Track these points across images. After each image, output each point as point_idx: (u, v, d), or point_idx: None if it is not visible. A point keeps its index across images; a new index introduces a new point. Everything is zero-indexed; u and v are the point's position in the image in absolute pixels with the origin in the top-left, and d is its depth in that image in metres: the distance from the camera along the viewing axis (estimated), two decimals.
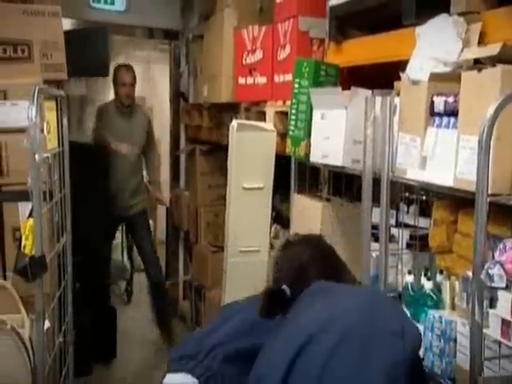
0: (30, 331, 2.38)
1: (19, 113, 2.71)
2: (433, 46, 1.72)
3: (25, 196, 2.69)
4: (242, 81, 3.23)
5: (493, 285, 1.02)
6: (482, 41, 1.66)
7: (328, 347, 1.13)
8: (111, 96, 4.76)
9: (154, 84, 6.95)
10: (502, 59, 1.39)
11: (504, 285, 1.01)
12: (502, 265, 1.02)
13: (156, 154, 4.54)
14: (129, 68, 3.98)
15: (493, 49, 1.38)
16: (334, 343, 1.13)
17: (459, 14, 1.71)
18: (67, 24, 3.84)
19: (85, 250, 2.99)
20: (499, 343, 1.35)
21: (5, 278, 2.71)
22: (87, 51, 3.62)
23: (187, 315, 4.40)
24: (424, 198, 1.96)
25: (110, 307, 3.92)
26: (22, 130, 2.74)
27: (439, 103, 1.57)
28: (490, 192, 1.32)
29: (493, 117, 1.06)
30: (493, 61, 1.42)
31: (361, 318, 1.19)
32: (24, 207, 2.83)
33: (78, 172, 2.55)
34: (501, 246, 1.05)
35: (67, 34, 3.03)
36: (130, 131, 3.95)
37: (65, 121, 2.20)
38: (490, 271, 1.02)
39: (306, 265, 1.43)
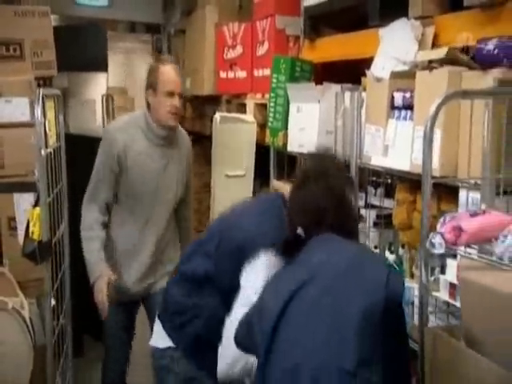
0: (30, 312, 2.57)
1: (13, 109, 2.87)
2: (393, 46, 1.93)
3: (21, 187, 2.86)
4: (223, 75, 3.42)
5: (434, 251, 1.24)
6: (435, 42, 1.88)
7: (315, 294, 1.24)
8: (92, 90, 4.85)
9: (134, 75, 7.07)
10: (449, 60, 1.61)
11: (443, 251, 1.23)
12: (442, 235, 1.24)
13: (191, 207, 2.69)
14: (175, 68, 2.29)
15: (441, 52, 1.60)
16: (319, 292, 1.24)
17: (416, 18, 1.92)
18: (53, 20, 3.97)
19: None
20: (447, 303, 1.59)
21: (1, 264, 2.88)
22: (86, 47, 3.76)
23: None
24: (389, 181, 2.18)
25: None
26: (16, 125, 2.91)
27: (398, 98, 1.79)
28: (438, 175, 1.56)
29: (434, 112, 1.27)
30: (442, 62, 1.63)
31: (350, 267, 1.28)
32: (19, 198, 3.00)
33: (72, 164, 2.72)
34: (441, 219, 1.27)
35: (65, 29, 3.18)
36: (165, 180, 2.31)
37: (61, 118, 2.38)
38: (432, 240, 1.24)
39: (322, 213, 1.43)
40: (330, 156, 1.72)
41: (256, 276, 1.48)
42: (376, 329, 1.17)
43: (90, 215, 2.27)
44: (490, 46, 1.41)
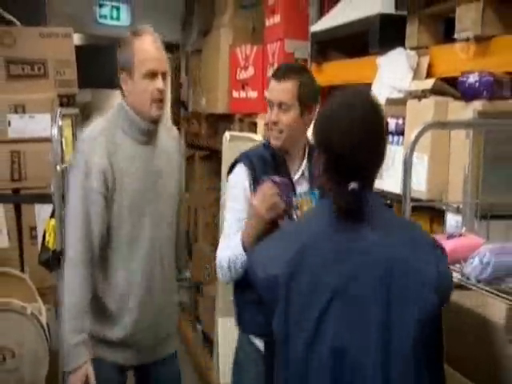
0: (47, 318, 2.72)
1: (36, 125, 3.06)
2: (390, 74, 2.04)
3: (41, 198, 3.04)
4: (235, 94, 3.56)
5: None
6: (430, 71, 1.99)
7: (369, 282, 1.16)
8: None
9: None
10: (438, 91, 1.72)
11: None
12: None
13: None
14: (156, 40, 1.77)
15: (429, 82, 1.70)
16: (374, 283, 1.16)
17: (412, 48, 2.04)
18: (77, 39, 4.18)
19: None
20: None
21: (22, 270, 3.05)
22: (109, 65, 3.94)
23: (186, 308, 4.74)
24: (388, 202, 2.28)
25: None
26: (38, 140, 3.09)
27: (392, 124, 1.90)
28: (425, 198, 1.66)
29: (413, 140, 1.38)
30: (432, 92, 1.74)
31: (404, 259, 1.17)
32: (39, 208, 3.18)
33: None
34: None
35: (90, 48, 3.37)
36: (156, 187, 1.84)
37: (78, 135, 2.55)
38: None
39: (376, 159, 1.25)
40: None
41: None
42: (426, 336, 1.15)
43: (82, 291, 1.69)
44: (472, 79, 1.51)
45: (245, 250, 1.59)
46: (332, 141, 1.21)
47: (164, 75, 1.74)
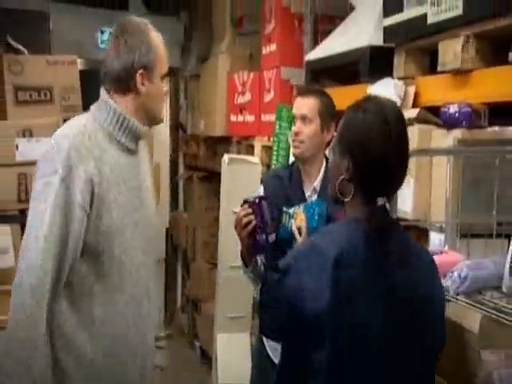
0: None
1: (42, 147, 3.17)
2: None
3: None
4: (233, 118, 3.71)
5: None
6: (416, 100, 2.13)
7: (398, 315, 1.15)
8: None
9: None
10: (422, 120, 1.87)
11: None
12: None
13: None
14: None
15: (414, 112, 1.85)
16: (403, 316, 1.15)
17: (399, 78, 2.19)
18: (79, 64, 4.33)
19: None
20: None
21: None
22: None
23: (185, 327, 4.82)
24: None
25: None
26: None
27: None
28: (411, 218, 1.79)
29: None
30: (417, 120, 1.89)
31: (421, 290, 1.17)
32: None
33: None
34: None
35: (97, 72, 3.51)
36: (141, 205, 1.55)
37: None
38: None
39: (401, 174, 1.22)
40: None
41: None
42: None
43: (40, 321, 1.35)
44: (452, 110, 1.66)
45: (243, 261, 1.80)
46: (368, 151, 1.15)
47: None
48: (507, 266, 1.29)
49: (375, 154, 1.15)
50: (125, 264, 1.46)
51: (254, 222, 1.66)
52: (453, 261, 1.42)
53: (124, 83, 1.47)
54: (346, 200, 1.20)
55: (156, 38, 1.50)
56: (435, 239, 1.70)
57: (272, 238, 1.69)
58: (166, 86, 1.57)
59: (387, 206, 1.20)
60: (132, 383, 1.50)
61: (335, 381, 1.12)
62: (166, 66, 1.52)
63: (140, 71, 1.46)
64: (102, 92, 1.51)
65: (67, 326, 1.41)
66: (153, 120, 1.56)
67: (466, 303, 1.27)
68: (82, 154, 1.39)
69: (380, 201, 1.16)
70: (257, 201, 1.68)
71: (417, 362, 1.16)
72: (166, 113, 5.46)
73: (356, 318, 1.11)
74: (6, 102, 2.74)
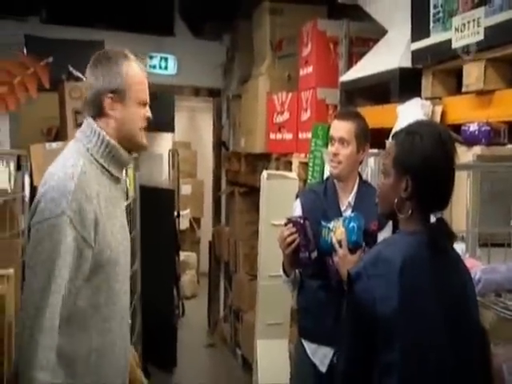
0: None
1: None
2: (407, 121, 2.34)
3: None
4: (272, 136, 3.91)
5: None
6: (443, 119, 2.27)
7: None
8: (161, 146, 5.85)
9: (198, 130, 7.77)
10: None
11: None
12: None
13: None
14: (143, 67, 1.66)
15: None
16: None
17: (427, 98, 2.33)
18: None
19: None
20: None
21: None
22: (157, 111, 4.38)
23: (227, 336, 5.01)
24: None
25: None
26: None
27: None
28: None
29: None
30: None
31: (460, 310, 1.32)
32: None
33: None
34: None
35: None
36: (125, 234, 1.63)
37: (137, 175, 2.92)
38: None
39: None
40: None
41: None
42: None
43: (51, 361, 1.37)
44: (472, 128, 1.80)
45: (284, 271, 2.00)
46: (431, 171, 1.31)
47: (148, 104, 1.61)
48: None
49: (438, 173, 1.32)
50: (118, 294, 1.51)
51: (297, 241, 1.83)
52: (471, 267, 1.56)
53: (96, 107, 1.52)
54: (402, 216, 1.34)
55: (132, 66, 1.53)
56: (457, 248, 1.83)
57: (314, 254, 1.86)
58: (148, 112, 1.56)
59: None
60: None
61: (409, 377, 1.26)
62: (144, 93, 1.55)
63: (109, 95, 1.50)
64: (87, 118, 1.54)
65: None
66: (133, 146, 1.57)
67: (480, 303, 1.41)
68: (87, 194, 1.41)
69: (438, 214, 1.35)
70: (301, 221, 1.85)
71: (469, 348, 1.32)
72: (209, 132, 5.76)
73: (420, 319, 1.26)
74: (66, 125, 3.01)
